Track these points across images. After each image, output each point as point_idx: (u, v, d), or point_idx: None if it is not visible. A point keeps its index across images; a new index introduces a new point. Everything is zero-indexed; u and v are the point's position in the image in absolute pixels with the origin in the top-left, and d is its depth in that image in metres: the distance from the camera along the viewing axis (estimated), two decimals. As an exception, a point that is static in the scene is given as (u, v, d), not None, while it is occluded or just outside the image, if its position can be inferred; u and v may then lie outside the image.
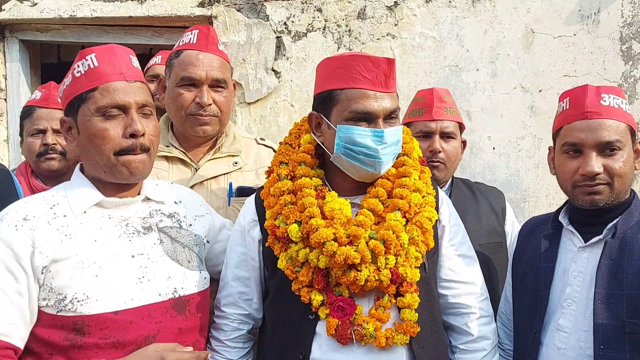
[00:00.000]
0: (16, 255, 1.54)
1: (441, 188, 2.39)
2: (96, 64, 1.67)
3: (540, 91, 3.46)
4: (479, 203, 2.43)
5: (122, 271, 1.64)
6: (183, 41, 2.29)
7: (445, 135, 2.39)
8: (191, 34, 2.27)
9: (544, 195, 3.49)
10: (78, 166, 1.79)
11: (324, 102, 1.75)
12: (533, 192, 3.50)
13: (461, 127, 2.49)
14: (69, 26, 3.56)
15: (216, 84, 2.24)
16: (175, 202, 1.87)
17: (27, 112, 2.68)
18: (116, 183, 1.71)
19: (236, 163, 2.34)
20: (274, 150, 2.43)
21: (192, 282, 1.76)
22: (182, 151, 2.29)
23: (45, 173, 2.63)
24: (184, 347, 1.62)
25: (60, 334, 1.56)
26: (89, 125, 1.66)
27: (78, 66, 1.70)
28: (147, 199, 1.79)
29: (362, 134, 1.67)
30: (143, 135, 1.67)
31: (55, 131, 2.58)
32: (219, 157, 2.33)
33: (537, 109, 3.46)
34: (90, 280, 1.58)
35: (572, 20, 3.45)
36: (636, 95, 3.44)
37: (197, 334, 1.78)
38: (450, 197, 2.39)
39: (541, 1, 3.45)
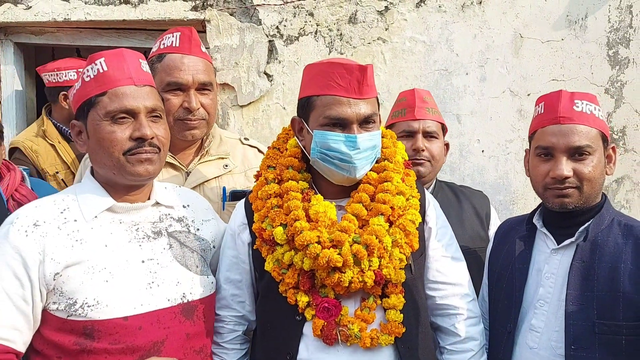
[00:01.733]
0: (24, 263, 1.55)
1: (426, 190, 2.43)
2: (105, 69, 1.67)
3: (528, 95, 3.49)
4: (462, 207, 2.43)
5: (132, 276, 1.65)
6: (164, 44, 2.24)
7: (428, 135, 2.40)
8: (172, 36, 2.23)
9: (532, 197, 3.52)
10: (88, 169, 1.79)
11: (303, 107, 1.78)
12: (522, 195, 3.54)
13: (444, 128, 2.50)
14: (63, 29, 3.57)
15: (202, 87, 2.23)
16: (184, 206, 1.88)
17: None
18: (127, 185, 1.71)
19: (226, 166, 2.34)
20: (259, 150, 2.46)
21: (200, 287, 1.77)
22: (170, 155, 2.26)
23: None
24: None
25: (70, 338, 1.57)
26: (97, 130, 1.66)
27: (87, 70, 1.70)
28: (157, 203, 1.80)
29: (336, 139, 1.70)
30: (152, 138, 1.68)
31: None
32: (209, 160, 2.33)
33: (525, 112, 3.50)
34: (101, 286, 1.59)
35: (560, 25, 3.49)
36: (623, 99, 3.49)
37: (205, 339, 1.79)
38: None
39: (530, 6, 3.49)
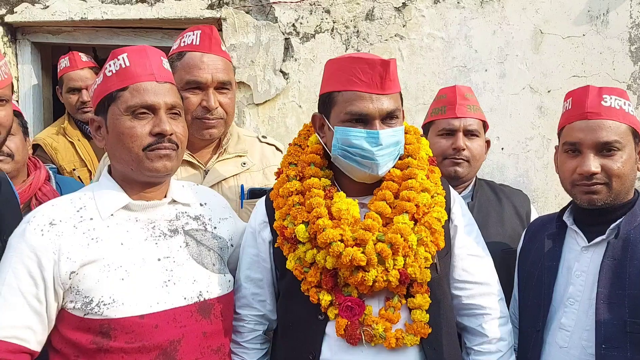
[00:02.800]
0: (39, 262, 1.55)
1: (464, 189, 2.38)
2: (128, 64, 1.67)
3: (549, 92, 3.45)
4: (503, 206, 2.37)
5: (148, 275, 1.64)
6: (185, 42, 2.24)
7: (469, 133, 2.34)
8: (193, 34, 2.22)
9: (552, 195, 3.48)
10: (106, 168, 1.78)
11: (324, 103, 1.76)
12: (542, 193, 3.50)
13: (485, 125, 2.44)
14: (80, 28, 3.60)
15: (221, 86, 2.21)
16: (201, 205, 1.87)
17: None
18: (144, 182, 1.71)
19: (244, 164, 2.33)
20: (277, 148, 2.45)
21: (216, 285, 1.75)
22: (188, 153, 2.25)
23: None
24: None
25: (87, 336, 1.57)
26: (117, 124, 1.66)
27: (109, 65, 1.70)
28: (174, 201, 1.79)
29: (358, 136, 1.67)
30: (171, 135, 1.67)
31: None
32: (227, 159, 2.32)
33: (545, 109, 3.46)
34: (117, 284, 1.59)
35: (581, 21, 3.44)
36: (645, 95, 3.44)
37: (222, 338, 1.77)
38: (473, 199, 2.36)
39: (550, 2, 3.44)
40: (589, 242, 1.81)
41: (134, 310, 1.58)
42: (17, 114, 2.53)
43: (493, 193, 2.42)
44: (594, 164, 1.75)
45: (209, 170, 2.28)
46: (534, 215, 2.40)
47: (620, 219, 1.78)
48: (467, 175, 2.35)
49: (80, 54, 3.43)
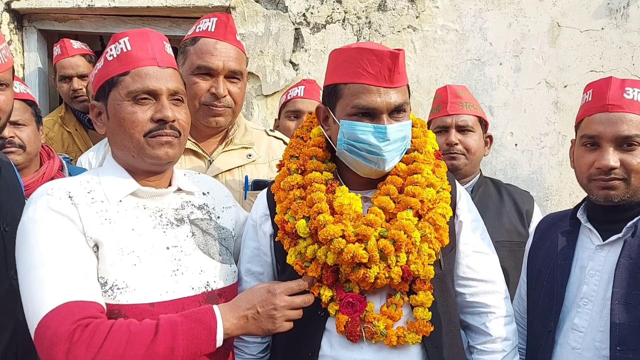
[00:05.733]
0: (74, 224, 1.51)
1: (465, 183, 2.42)
2: (129, 48, 1.64)
3: (565, 87, 3.38)
4: (503, 201, 2.44)
5: (158, 263, 1.61)
6: (200, 28, 2.23)
7: (463, 129, 2.43)
8: (209, 21, 2.22)
9: (567, 193, 3.40)
10: (110, 153, 1.75)
11: (329, 95, 1.72)
12: (556, 190, 3.42)
13: (482, 121, 2.49)
14: (87, 16, 3.58)
15: (232, 75, 2.20)
16: (204, 194, 1.84)
17: None
18: (146, 171, 1.68)
19: (250, 155, 2.32)
20: (284, 142, 2.43)
21: (223, 275, 1.74)
22: (193, 142, 2.25)
23: None
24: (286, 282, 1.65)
25: None
26: (118, 110, 1.63)
27: (111, 49, 1.67)
28: (179, 189, 1.77)
29: (365, 130, 1.63)
30: (174, 121, 1.64)
31: (13, 123, 2.44)
32: (233, 150, 2.31)
33: (561, 104, 3.38)
34: (130, 269, 1.55)
35: (600, 14, 3.35)
36: (666, 91, 3.33)
37: None
38: (474, 192, 2.41)
39: (568, -6, 3.36)
40: (604, 241, 1.76)
41: (145, 297, 1.55)
42: (31, 103, 2.55)
43: (496, 190, 2.51)
44: (613, 158, 1.69)
45: (213, 161, 2.27)
46: (536, 214, 2.45)
47: (638, 217, 1.72)
48: (465, 167, 2.44)
49: (71, 40, 3.40)
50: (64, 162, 2.63)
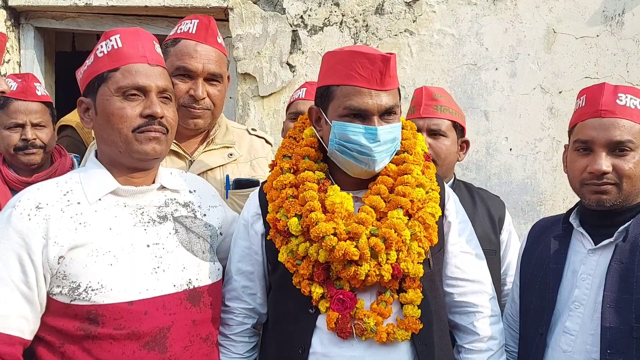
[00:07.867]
0: (28, 247, 1.52)
1: None
2: (120, 45, 1.67)
3: (560, 92, 3.39)
4: (476, 208, 2.37)
5: (137, 261, 1.62)
6: (181, 29, 2.23)
7: (433, 133, 2.35)
8: (190, 23, 2.21)
9: (560, 198, 3.41)
10: (92, 152, 1.77)
11: (322, 96, 1.75)
12: (550, 196, 3.43)
13: (458, 126, 2.42)
14: (84, 14, 3.56)
15: (212, 78, 2.20)
16: (190, 192, 1.86)
17: (2, 103, 2.59)
18: (132, 167, 1.69)
19: (231, 155, 2.32)
20: (266, 141, 2.47)
21: (206, 273, 1.75)
22: (174, 142, 2.21)
23: (23, 167, 2.59)
24: None
25: (73, 323, 1.54)
26: (107, 105, 1.64)
27: (101, 46, 1.69)
28: (162, 187, 1.77)
29: (356, 131, 1.66)
30: (162, 118, 1.66)
31: (34, 125, 2.55)
32: (214, 149, 2.30)
33: (556, 110, 3.39)
34: (105, 269, 1.56)
35: (596, 21, 3.37)
36: (660, 99, 3.35)
37: (211, 326, 1.76)
38: None
39: (564, 1, 3.39)
40: (595, 245, 1.77)
41: (123, 296, 1.56)
42: (48, 104, 2.64)
43: (469, 195, 2.43)
44: (605, 163, 1.70)
45: (194, 161, 2.27)
46: (507, 221, 2.42)
47: (629, 222, 1.73)
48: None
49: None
50: (74, 160, 2.71)
